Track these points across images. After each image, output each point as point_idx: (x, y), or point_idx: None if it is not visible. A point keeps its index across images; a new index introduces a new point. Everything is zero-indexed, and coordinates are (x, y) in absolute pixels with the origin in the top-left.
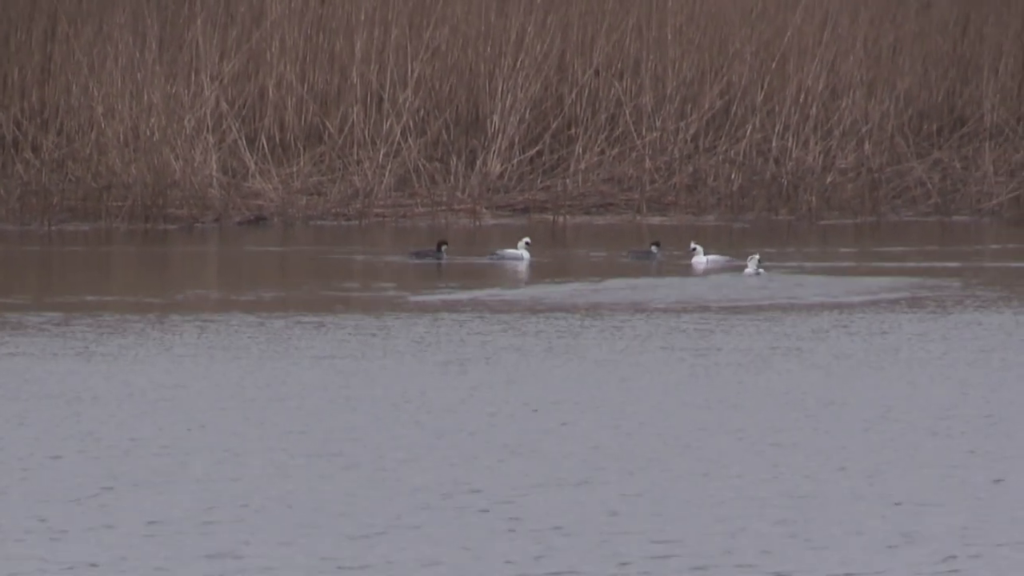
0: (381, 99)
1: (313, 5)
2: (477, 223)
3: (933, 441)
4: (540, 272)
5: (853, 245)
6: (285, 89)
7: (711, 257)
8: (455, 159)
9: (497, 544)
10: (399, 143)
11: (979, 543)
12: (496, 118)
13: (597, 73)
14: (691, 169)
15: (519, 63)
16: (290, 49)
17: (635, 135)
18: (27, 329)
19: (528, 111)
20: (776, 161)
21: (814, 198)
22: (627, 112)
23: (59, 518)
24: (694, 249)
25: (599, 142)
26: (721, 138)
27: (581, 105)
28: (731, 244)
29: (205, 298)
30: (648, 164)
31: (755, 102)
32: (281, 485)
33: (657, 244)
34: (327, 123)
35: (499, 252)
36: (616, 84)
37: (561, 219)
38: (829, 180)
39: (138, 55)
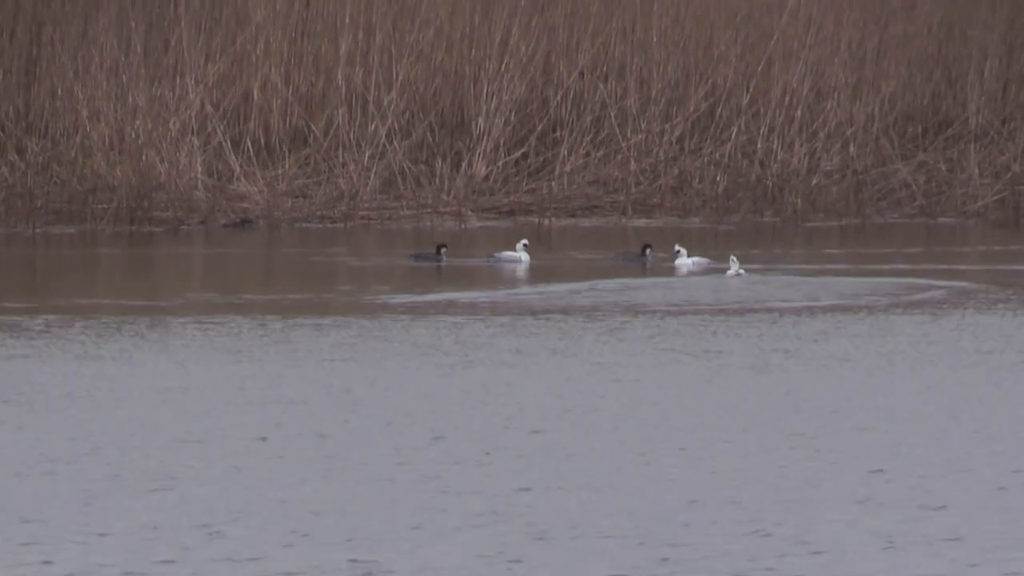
0: (366, 101)
1: (298, 8)
2: (462, 226)
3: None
4: (536, 274)
5: (838, 247)
6: (270, 92)
7: (695, 259)
8: (440, 161)
9: (503, 547)
10: (384, 145)
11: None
12: (481, 120)
13: (582, 75)
14: (676, 171)
15: (504, 65)
16: (275, 52)
17: (620, 137)
18: (20, 331)
19: (513, 113)
20: (761, 163)
21: (799, 200)
22: (612, 114)
23: (60, 519)
24: (678, 252)
25: (584, 144)
26: (706, 140)
27: (566, 107)
28: (716, 246)
29: (199, 301)
30: (633, 166)
31: (740, 104)
32: (282, 487)
33: (649, 247)
34: (312, 126)
35: (497, 255)
36: (601, 86)
37: (547, 222)
38: (814, 182)
39: (123, 58)
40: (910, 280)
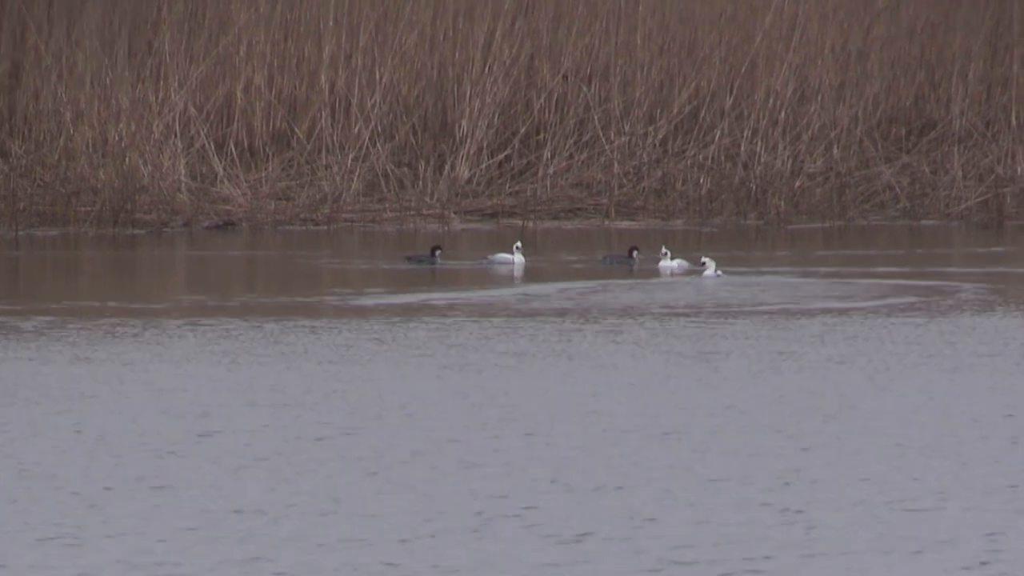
0: (349, 104)
1: (281, 10)
2: (446, 228)
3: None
4: (530, 276)
5: (822, 249)
6: (253, 94)
7: (679, 262)
8: (423, 164)
9: (509, 550)
10: (367, 148)
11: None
12: (464, 123)
13: (566, 78)
14: (660, 174)
15: (487, 68)
16: (258, 54)
17: (604, 140)
18: (11, 333)
19: (496, 116)
20: (745, 165)
21: (782, 202)
22: (596, 117)
23: (64, 522)
24: (665, 253)
25: (568, 147)
26: (690, 143)
27: (550, 110)
28: (700, 248)
29: (189, 303)
30: (617, 169)
31: (724, 107)
32: (284, 489)
33: (636, 249)
34: (295, 128)
35: (491, 257)
36: (585, 89)
37: (530, 224)
38: (797, 184)
39: (106, 61)
40: (893, 282)
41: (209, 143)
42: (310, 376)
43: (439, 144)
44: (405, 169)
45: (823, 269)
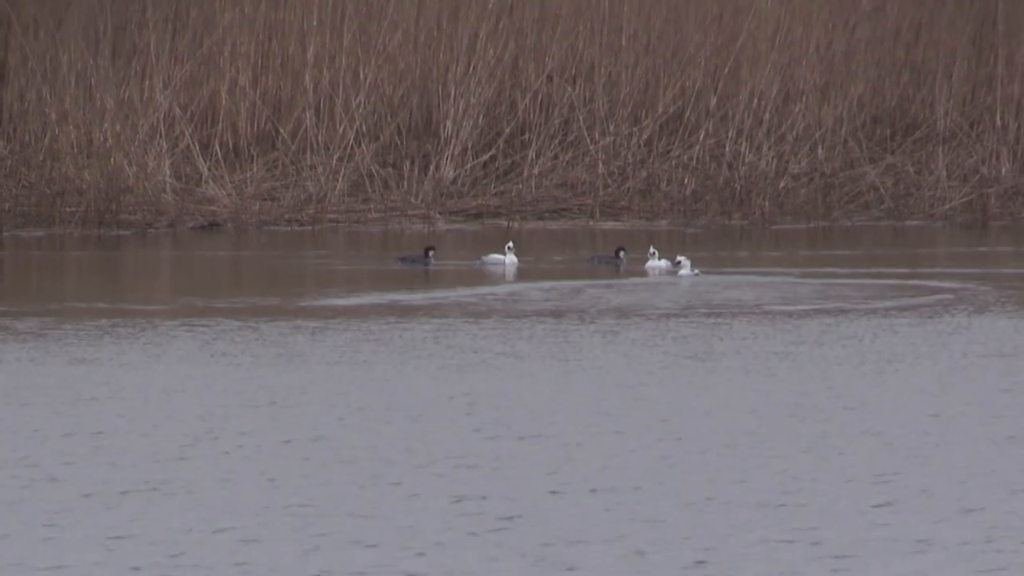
0: (334, 104)
1: (265, 10)
2: (430, 228)
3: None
4: (520, 277)
5: (806, 249)
6: (238, 95)
7: (665, 261)
8: (408, 164)
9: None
10: (352, 148)
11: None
12: (449, 123)
13: (550, 78)
14: (644, 174)
15: (472, 68)
16: (242, 54)
17: (588, 140)
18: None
19: (481, 116)
20: (729, 166)
21: (767, 203)
22: (580, 117)
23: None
24: (653, 253)
25: (552, 147)
26: (674, 143)
27: (534, 110)
28: (684, 248)
29: (180, 304)
30: (601, 169)
31: (709, 107)
32: (286, 490)
33: (623, 249)
34: (280, 128)
35: (484, 258)
36: (569, 89)
37: (515, 224)
38: (782, 185)
39: (91, 61)
40: (877, 282)
41: (194, 143)
42: (310, 377)
43: (424, 144)
44: (390, 169)
45: (807, 269)
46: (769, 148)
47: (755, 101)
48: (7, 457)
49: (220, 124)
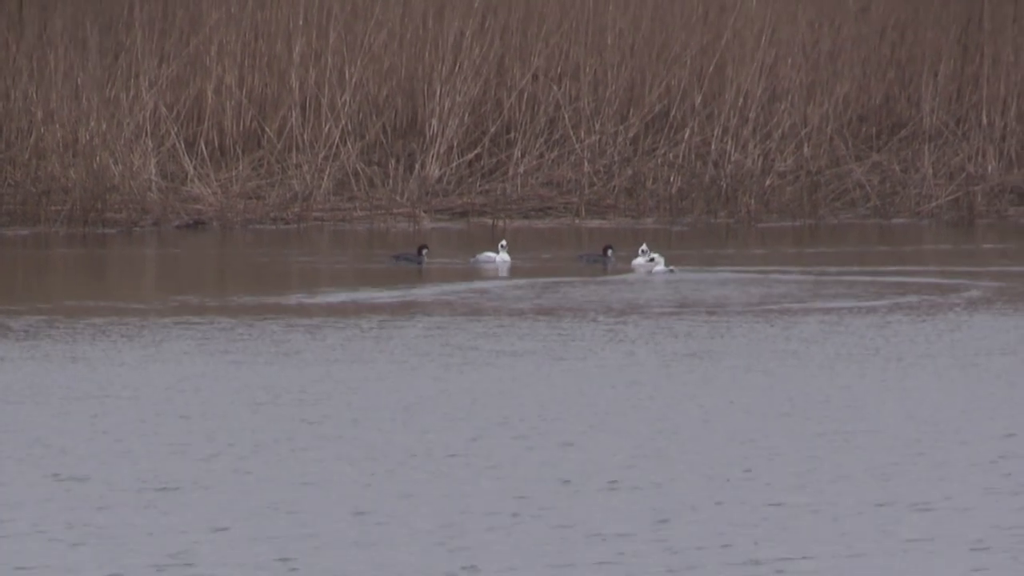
0: (319, 103)
1: (251, 10)
2: (416, 227)
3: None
4: (519, 275)
5: (792, 247)
6: (224, 93)
7: (643, 259)
8: (394, 163)
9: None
10: (337, 147)
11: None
12: (435, 122)
13: (536, 77)
14: (630, 172)
15: (457, 66)
16: (228, 53)
17: (574, 138)
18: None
19: (467, 115)
20: (715, 164)
21: (753, 201)
22: (566, 116)
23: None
24: (643, 251)
25: (538, 146)
26: (660, 141)
27: (520, 109)
28: (670, 247)
29: (176, 302)
30: (587, 167)
31: (694, 105)
32: (282, 489)
33: (611, 247)
34: (265, 127)
35: (477, 256)
36: (555, 87)
37: (500, 223)
38: (768, 183)
39: (78, 60)
40: (864, 280)
41: (180, 142)
42: (310, 375)
43: (409, 143)
44: (375, 168)
45: (794, 268)
46: (755, 146)
47: (741, 99)
48: (8, 456)
49: (206, 123)
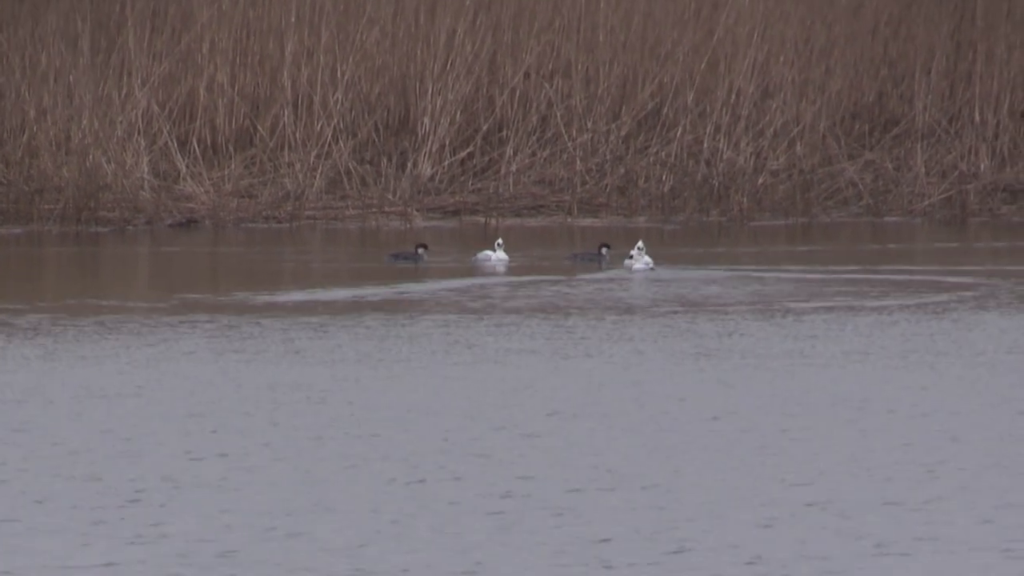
0: (311, 101)
1: (243, 8)
2: (408, 225)
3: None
4: (517, 273)
5: (784, 246)
6: (216, 92)
7: (646, 258)
8: (386, 161)
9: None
10: (330, 145)
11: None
12: (427, 120)
13: (528, 75)
14: (622, 171)
15: (449, 65)
16: (220, 52)
17: (566, 137)
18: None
19: (459, 113)
20: (707, 162)
21: (745, 199)
22: (558, 114)
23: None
24: (640, 249)
25: (530, 144)
26: (652, 140)
27: (512, 107)
28: (663, 245)
29: (175, 300)
30: (579, 166)
31: (687, 103)
32: (283, 489)
33: (606, 246)
34: (258, 125)
35: (477, 256)
36: (547, 85)
37: (492, 221)
38: (760, 181)
39: (70, 58)
40: (856, 278)
41: (172, 141)
42: (312, 374)
43: (401, 141)
44: (367, 166)
45: (786, 266)
46: (747, 144)
47: (733, 97)
48: (19, 455)
49: (198, 121)
